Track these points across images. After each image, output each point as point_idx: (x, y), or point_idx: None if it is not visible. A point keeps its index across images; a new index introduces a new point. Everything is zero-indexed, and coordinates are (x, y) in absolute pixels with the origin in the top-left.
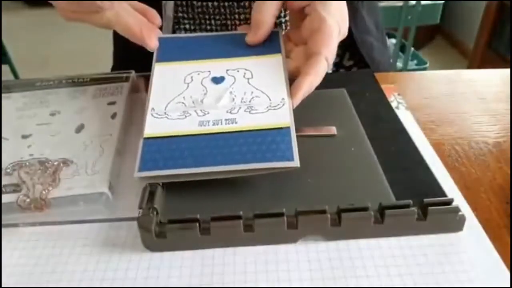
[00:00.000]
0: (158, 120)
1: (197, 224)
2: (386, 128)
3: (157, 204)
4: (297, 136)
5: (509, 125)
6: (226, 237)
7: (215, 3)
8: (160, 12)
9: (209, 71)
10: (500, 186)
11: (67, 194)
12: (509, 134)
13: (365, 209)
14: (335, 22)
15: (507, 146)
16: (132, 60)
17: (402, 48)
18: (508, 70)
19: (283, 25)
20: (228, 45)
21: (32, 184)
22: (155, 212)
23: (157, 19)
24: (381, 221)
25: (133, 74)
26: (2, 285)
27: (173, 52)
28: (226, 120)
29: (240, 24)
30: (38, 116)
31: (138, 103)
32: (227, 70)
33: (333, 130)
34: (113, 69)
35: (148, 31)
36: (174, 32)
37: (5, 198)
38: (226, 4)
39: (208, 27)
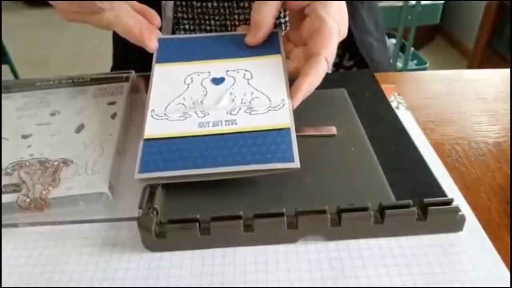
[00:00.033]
0: (158, 121)
1: (197, 224)
2: (386, 128)
3: (157, 204)
4: (297, 136)
5: (509, 125)
6: (226, 237)
7: (215, 4)
8: (159, 12)
9: (209, 72)
10: (500, 186)
11: (67, 194)
12: (509, 134)
13: (365, 209)
14: (335, 22)
15: (507, 146)
16: (132, 60)
17: (402, 48)
18: (508, 70)
19: (283, 25)
20: (228, 46)
21: (32, 184)
22: (155, 212)
23: (157, 20)
24: (381, 221)
25: (133, 74)
26: (2, 285)
27: (172, 53)
28: (226, 121)
29: (240, 25)
30: (38, 116)
31: (138, 103)
32: (227, 71)
33: (333, 130)
34: (112, 69)
35: (148, 32)
36: (173, 32)
37: (5, 198)
38: (226, 4)
39: (208, 28)
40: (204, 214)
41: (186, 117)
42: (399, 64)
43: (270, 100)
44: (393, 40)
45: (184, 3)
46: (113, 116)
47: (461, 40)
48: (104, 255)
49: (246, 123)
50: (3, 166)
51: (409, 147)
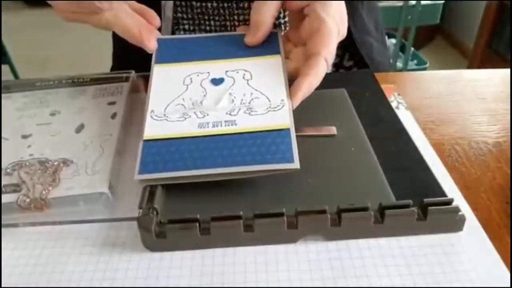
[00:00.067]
0: (158, 122)
1: (197, 224)
2: (386, 128)
3: (157, 204)
4: (297, 136)
5: (509, 125)
6: (226, 237)
7: (215, 4)
8: (159, 12)
9: (208, 73)
10: (500, 186)
11: (67, 194)
12: (509, 134)
13: (365, 209)
14: (335, 22)
15: (507, 146)
16: (131, 60)
17: (402, 48)
18: (508, 70)
19: (282, 26)
20: (227, 46)
21: (32, 184)
22: (155, 212)
23: (156, 20)
24: (381, 221)
25: (133, 74)
26: (2, 285)
27: (172, 53)
28: (225, 122)
29: (240, 25)
30: (38, 116)
31: (138, 103)
32: (226, 71)
33: (333, 130)
34: (112, 69)
35: (147, 32)
36: (173, 32)
37: (5, 198)
38: (226, 5)
39: (208, 28)
40: (204, 214)
41: (185, 118)
42: (399, 64)
43: (269, 101)
44: (393, 40)
45: (183, 3)
46: (113, 116)
47: (461, 40)
48: (104, 255)
49: (245, 123)
50: (3, 166)
51: (409, 147)
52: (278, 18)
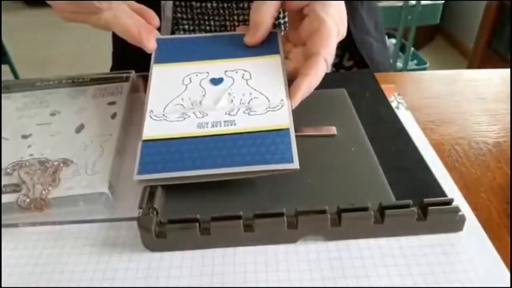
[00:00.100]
0: (157, 122)
1: (197, 224)
2: (386, 128)
3: (157, 204)
4: (297, 136)
5: (509, 125)
6: (226, 237)
7: (214, 4)
8: (159, 13)
9: (208, 72)
10: (500, 186)
11: (67, 194)
12: (509, 134)
13: (365, 209)
14: (334, 22)
15: (507, 146)
16: (131, 60)
17: (402, 48)
18: (508, 70)
19: (282, 26)
20: (227, 46)
21: (32, 184)
22: (155, 212)
23: (155, 20)
24: (381, 221)
25: (133, 74)
26: (2, 285)
27: (171, 53)
28: (225, 122)
29: (239, 25)
30: (38, 116)
31: (138, 103)
32: (226, 71)
33: (333, 130)
34: (112, 69)
35: (146, 32)
36: (173, 32)
37: (5, 198)
38: (225, 5)
39: (207, 28)
40: (204, 214)
41: (184, 118)
42: (399, 64)
43: (269, 101)
44: (393, 40)
45: (183, 3)
46: (113, 116)
47: (461, 40)
48: (104, 255)
49: (245, 123)
50: (3, 166)
51: (409, 147)
52: (277, 18)
